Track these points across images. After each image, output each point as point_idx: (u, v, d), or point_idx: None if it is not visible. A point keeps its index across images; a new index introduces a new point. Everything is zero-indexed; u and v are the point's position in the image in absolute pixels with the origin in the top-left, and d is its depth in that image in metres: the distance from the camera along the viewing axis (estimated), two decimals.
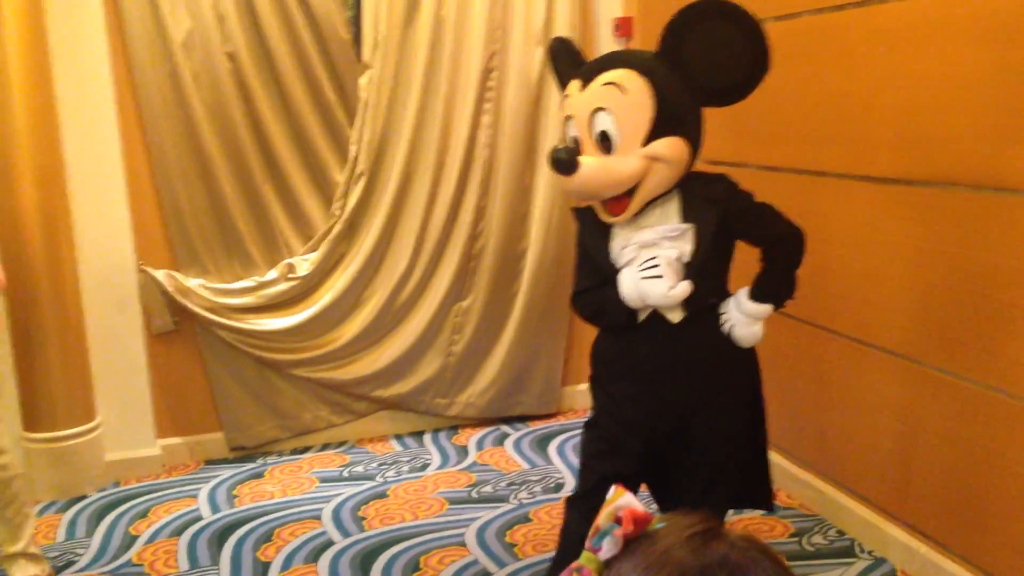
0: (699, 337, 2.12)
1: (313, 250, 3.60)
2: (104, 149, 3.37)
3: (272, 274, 3.58)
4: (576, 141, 2.08)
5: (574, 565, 0.94)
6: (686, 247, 2.08)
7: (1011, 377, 2.13)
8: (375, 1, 3.49)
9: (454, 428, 3.85)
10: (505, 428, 3.83)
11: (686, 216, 2.10)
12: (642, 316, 2.14)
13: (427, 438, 3.78)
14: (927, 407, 2.39)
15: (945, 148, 2.23)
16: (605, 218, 2.14)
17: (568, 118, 2.10)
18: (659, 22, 3.44)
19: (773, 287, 2.11)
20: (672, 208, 2.10)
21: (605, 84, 2.03)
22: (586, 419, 2.32)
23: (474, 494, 3.23)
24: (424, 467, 3.49)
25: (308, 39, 3.47)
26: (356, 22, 3.55)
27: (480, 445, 3.68)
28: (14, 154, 3.15)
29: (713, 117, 2.13)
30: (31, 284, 3.22)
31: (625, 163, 2.02)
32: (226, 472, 3.53)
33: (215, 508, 3.22)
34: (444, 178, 3.64)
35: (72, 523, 3.16)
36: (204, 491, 3.36)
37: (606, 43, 3.73)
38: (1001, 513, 2.20)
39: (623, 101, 2.01)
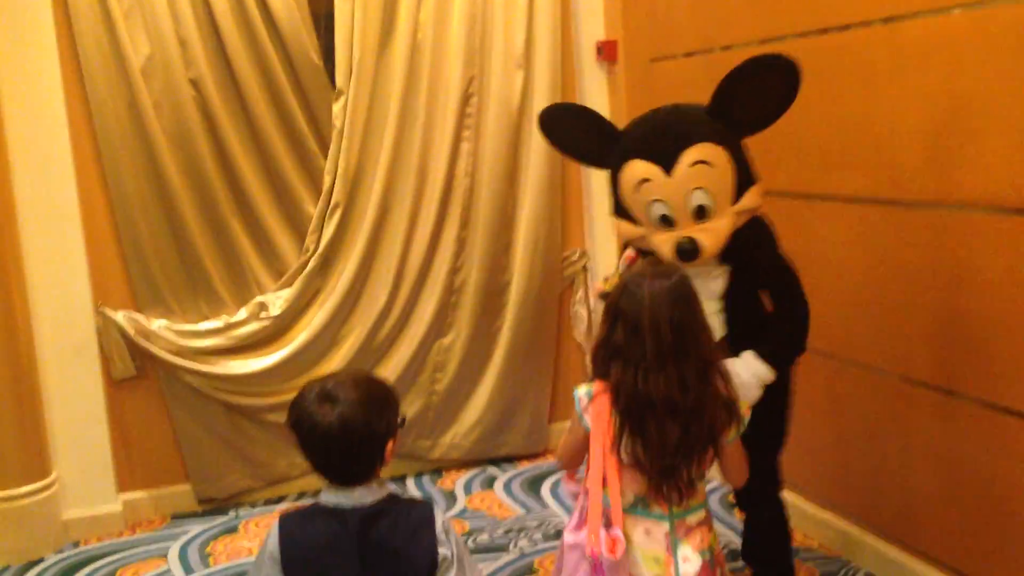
0: None
1: (286, 287, 3.39)
2: (58, 182, 3.13)
3: (242, 313, 3.36)
4: (666, 218, 2.18)
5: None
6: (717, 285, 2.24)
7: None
8: (348, 25, 3.32)
9: (438, 471, 3.64)
10: (492, 470, 3.64)
11: (726, 256, 2.23)
12: None
13: (410, 482, 3.57)
14: (954, 437, 2.29)
15: (977, 170, 2.13)
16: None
17: (655, 201, 2.19)
18: (644, 46, 3.43)
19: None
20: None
21: (694, 164, 2.13)
22: None
23: (470, 544, 3.02)
24: None
25: (277, 64, 3.28)
26: (328, 47, 3.37)
27: (468, 489, 3.48)
28: None
29: None
30: None
31: (726, 225, 2.17)
32: (196, 527, 3.27)
33: (188, 569, 2.98)
34: (423, 209, 3.47)
35: None
36: (174, 550, 3.11)
37: (588, 67, 3.62)
38: None
39: (714, 175, 2.14)
